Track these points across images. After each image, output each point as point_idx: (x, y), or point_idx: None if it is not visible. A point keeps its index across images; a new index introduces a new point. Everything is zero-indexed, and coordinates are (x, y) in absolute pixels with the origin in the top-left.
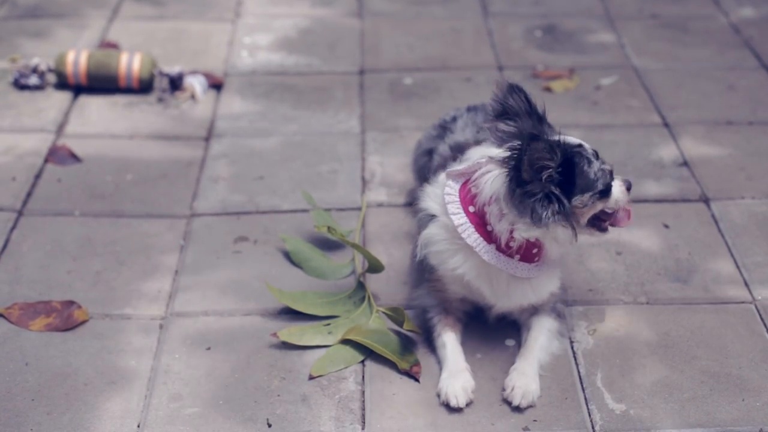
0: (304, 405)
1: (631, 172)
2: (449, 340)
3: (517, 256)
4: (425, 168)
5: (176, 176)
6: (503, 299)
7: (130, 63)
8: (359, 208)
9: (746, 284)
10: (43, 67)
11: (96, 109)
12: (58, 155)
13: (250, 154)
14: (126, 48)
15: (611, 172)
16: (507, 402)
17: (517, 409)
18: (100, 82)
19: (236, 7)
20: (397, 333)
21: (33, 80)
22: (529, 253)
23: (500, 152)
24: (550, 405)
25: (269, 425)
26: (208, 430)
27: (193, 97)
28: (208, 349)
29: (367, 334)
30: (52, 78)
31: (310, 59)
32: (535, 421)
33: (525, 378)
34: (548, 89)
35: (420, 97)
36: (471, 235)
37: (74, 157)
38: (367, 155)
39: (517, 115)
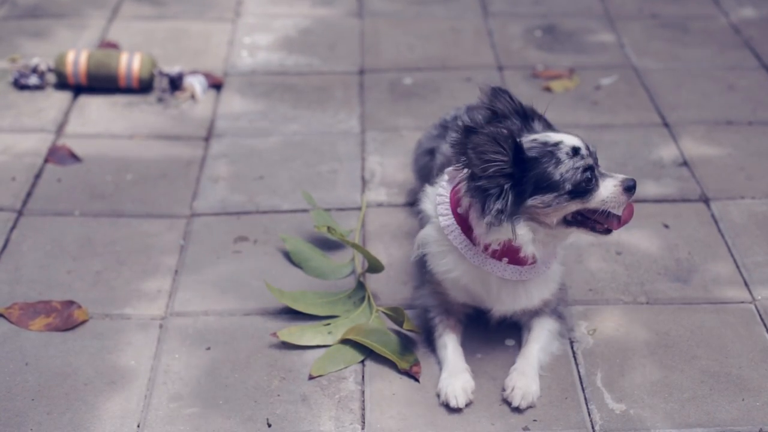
0: (303, 405)
1: (631, 172)
2: (450, 341)
3: (505, 259)
4: (426, 168)
5: (176, 176)
6: (497, 303)
7: (130, 63)
8: (359, 208)
9: (746, 284)
10: (43, 67)
11: (96, 109)
12: (58, 155)
13: (250, 153)
14: (126, 48)
15: (590, 171)
16: (507, 402)
17: (517, 410)
18: (100, 82)
19: (236, 7)
20: (397, 333)
21: (33, 80)
22: (517, 254)
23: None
24: (550, 405)
25: (269, 425)
26: (208, 430)
27: (193, 97)
28: (208, 348)
29: (367, 333)
30: (52, 78)
31: (310, 59)
32: (535, 421)
33: (525, 378)
34: (548, 89)
35: (420, 97)
36: (456, 238)
37: (74, 157)
38: (366, 155)
39: (506, 117)
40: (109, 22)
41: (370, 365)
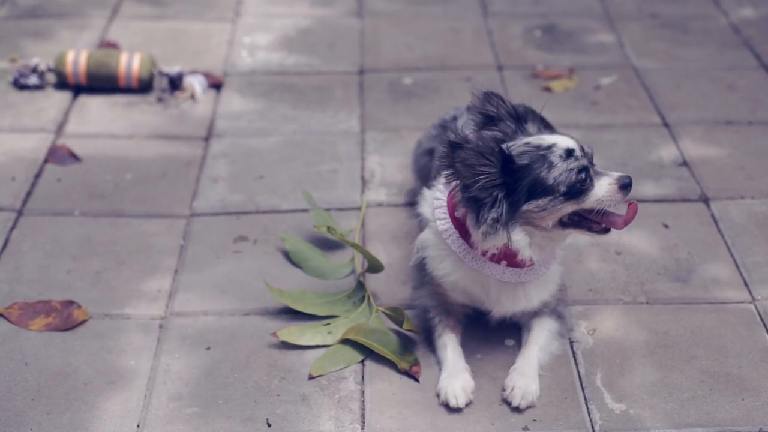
0: (303, 405)
1: (630, 172)
2: (450, 342)
3: (504, 262)
4: (425, 168)
5: (176, 176)
6: (496, 305)
7: (129, 63)
8: (359, 208)
9: (746, 284)
10: (42, 66)
11: (96, 108)
12: (58, 155)
13: (250, 153)
14: (126, 48)
15: (585, 172)
16: (507, 402)
17: (517, 410)
18: (100, 82)
19: (236, 6)
20: (397, 333)
21: (33, 80)
22: (515, 258)
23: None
24: (549, 405)
25: (269, 425)
26: (207, 430)
27: (192, 96)
28: (208, 348)
29: (367, 333)
30: (51, 78)
31: (310, 59)
32: (534, 420)
33: (525, 378)
34: (548, 89)
35: (420, 97)
36: (454, 242)
37: (74, 157)
38: (366, 155)
39: (500, 120)
40: (109, 22)
41: (370, 365)
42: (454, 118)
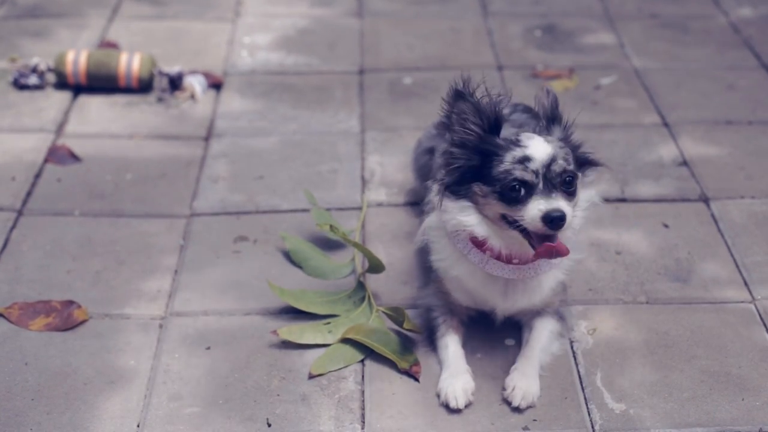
0: (303, 404)
1: (630, 171)
2: (452, 342)
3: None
4: (425, 167)
5: (176, 176)
6: (498, 300)
7: (129, 63)
8: (359, 208)
9: (746, 284)
10: (42, 66)
11: (96, 108)
12: (58, 155)
13: (250, 153)
14: (126, 48)
15: (521, 185)
16: (507, 402)
17: (517, 410)
18: (100, 82)
19: (236, 6)
20: (397, 332)
21: (33, 80)
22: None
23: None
24: (550, 404)
25: (269, 425)
26: (207, 430)
27: (192, 96)
28: (208, 348)
29: (367, 333)
30: (51, 78)
31: (310, 59)
32: (535, 420)
33: (525, 378)
34: None
35: (419, 96)
36: (461, 242)
37: (74, 157)
38: (366, 155)
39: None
40: (109, 22)
41: (370, 365)
42: None
